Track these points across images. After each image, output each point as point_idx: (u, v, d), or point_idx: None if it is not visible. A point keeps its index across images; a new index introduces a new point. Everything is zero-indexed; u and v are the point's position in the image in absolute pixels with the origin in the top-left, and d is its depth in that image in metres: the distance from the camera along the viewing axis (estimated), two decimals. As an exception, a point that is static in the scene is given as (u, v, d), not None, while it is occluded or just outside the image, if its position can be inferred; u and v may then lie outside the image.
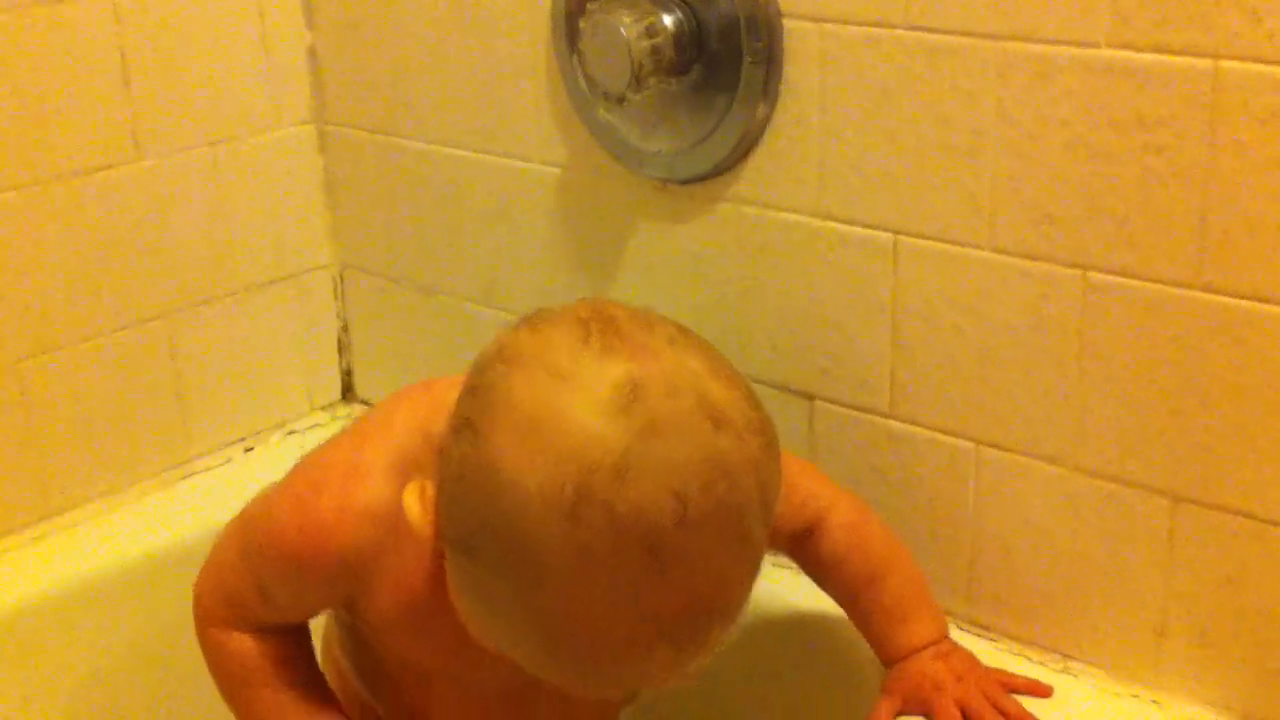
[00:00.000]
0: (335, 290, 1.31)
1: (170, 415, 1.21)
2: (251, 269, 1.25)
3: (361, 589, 0.81)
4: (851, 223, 0.95)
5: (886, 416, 0.98)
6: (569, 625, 0.67)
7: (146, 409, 1.20)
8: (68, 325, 1.13)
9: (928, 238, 0.92)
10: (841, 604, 0.92)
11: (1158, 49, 0.79)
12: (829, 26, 0.92)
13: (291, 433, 1.30)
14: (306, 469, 0.84)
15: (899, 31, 0.89)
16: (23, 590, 1.09)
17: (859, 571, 0.90)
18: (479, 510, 0.67)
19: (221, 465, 1.25)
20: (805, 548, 0.91)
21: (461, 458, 0.68)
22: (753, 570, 0.71)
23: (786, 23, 0.94)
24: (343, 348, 1.33)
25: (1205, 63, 0.78)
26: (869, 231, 0.94)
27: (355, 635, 0.88)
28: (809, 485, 0.91)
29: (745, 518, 0.68)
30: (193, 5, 1.15)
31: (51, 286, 1.11)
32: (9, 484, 1.12)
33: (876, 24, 0.90)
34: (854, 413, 0.99)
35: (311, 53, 1.24)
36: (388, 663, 0.88)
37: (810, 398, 1.01)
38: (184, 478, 1.23)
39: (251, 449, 1.28)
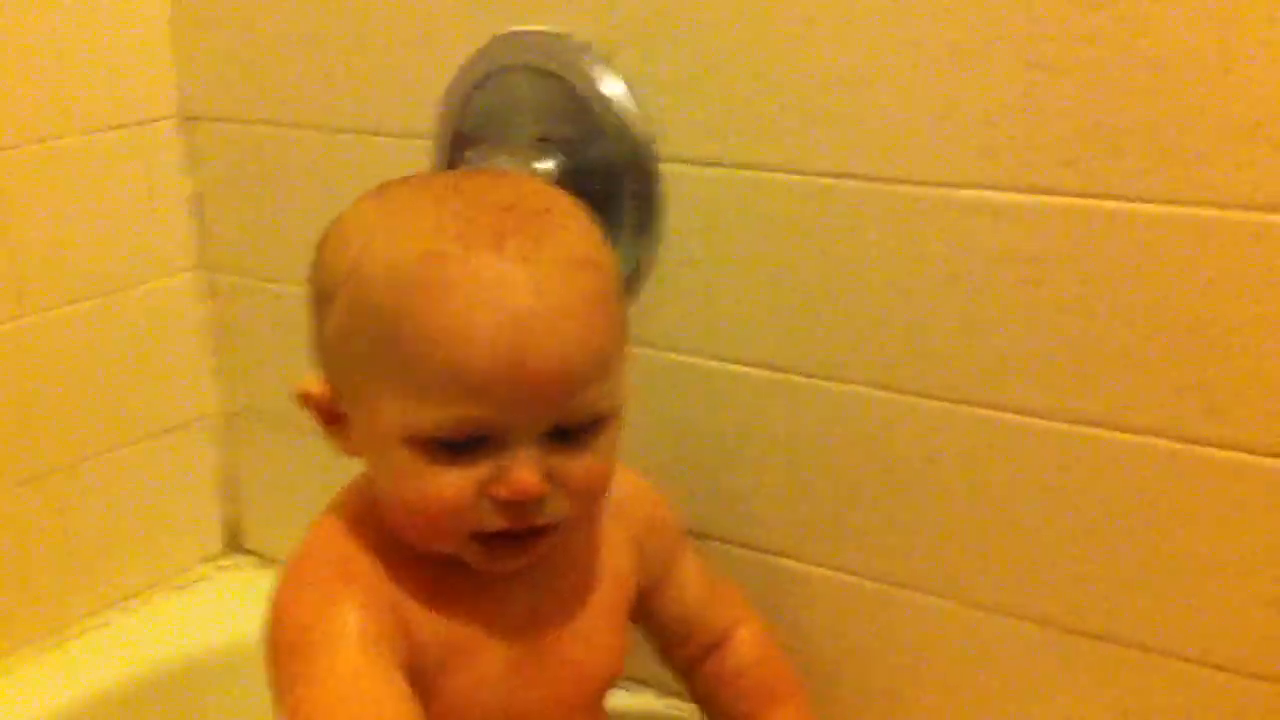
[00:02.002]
0: (221, 438, 1.28)
1: (54, 574, 1.17)
2: (138, 420, 1.22)
3: (403, 603, 0.77)
4: (739, 362, 0.95)
5: (785, 556, 0.97)
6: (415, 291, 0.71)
7: (30, 568, 1.16)
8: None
9: (813, 375, 0.92)
10: None
11: (1027, 189, 0.81)
12: (707, 170, 0.93)
13: (179, 588, 1.26)
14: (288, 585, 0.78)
15: (778, 175, 0.90)
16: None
17: (764, 685, 0.90)
18: (329, 255, 0.77)
19: (106, 625, 1.21)
20: (712, 657, 0.91)
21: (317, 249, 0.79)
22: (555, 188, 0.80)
23: (664, 167, 0.95)
24: (229, 497, 1.30)
25: (1074, 201, 0.79)
26: (758, 371, 0.94)
27: None
28: (728, 594, 0.92)
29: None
30: (74, 156, 1.14)
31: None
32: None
33: (756, 167, 0.91)
34: (754, 554, 0.98)
35: (196, 199, 1.23)
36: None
37: (711, 539, 0.99)
38: (70, 638, 1.18)
39: (138, 606, 1.23)
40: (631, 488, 0.86)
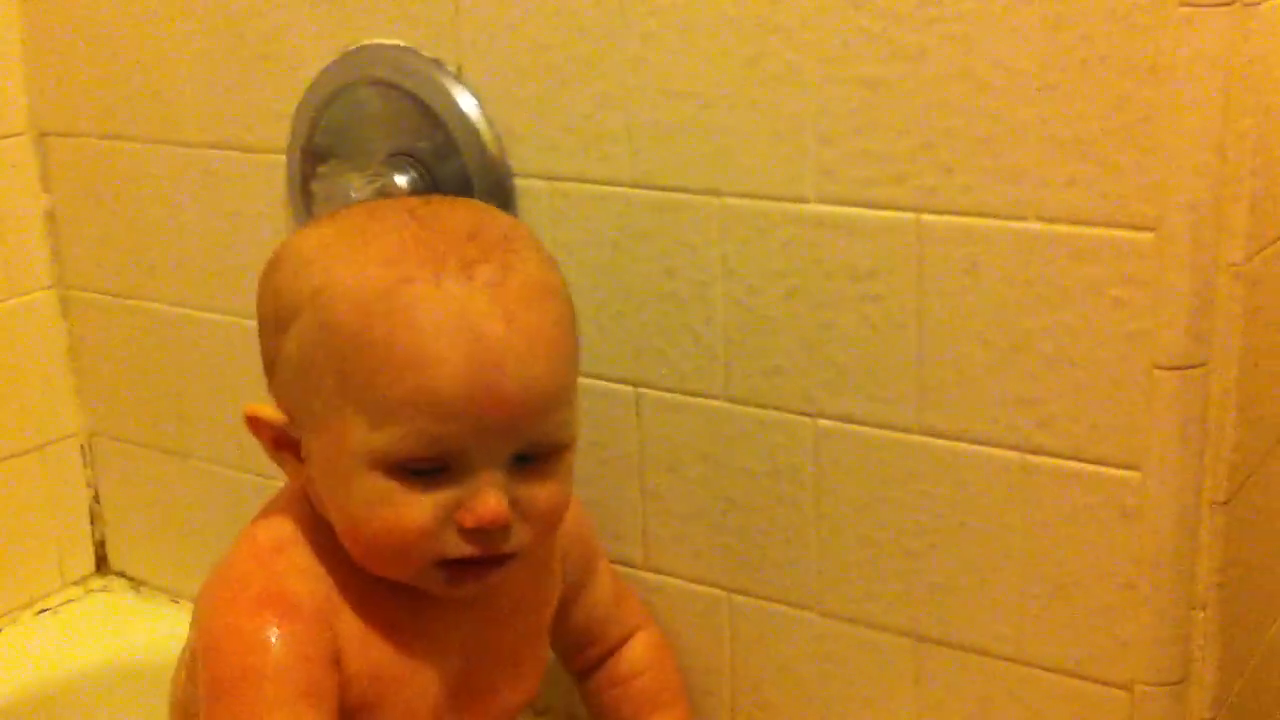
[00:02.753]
0: (84, 458, 1.26)
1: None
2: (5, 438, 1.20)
3: (335, 637, 0.76)
4: (593, 376, 0.95)
5: (640, 569, 0.97)
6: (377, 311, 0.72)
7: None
8: None
9: (667, 389, 0.92)
10: None
11: (863, 204, 0.82)
12: (558, 184, 0.93)
13: (43, 610, 1.24)
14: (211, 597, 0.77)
15: (624, 189, 0.90)
16: None
17: (653, 691, 0.91)
18: (286, 281, 0.76)
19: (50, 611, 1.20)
20: (605, 663, 0.92)
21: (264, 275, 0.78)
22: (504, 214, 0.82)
23: (518, 181, 0.95)
24: (94, 517, 1.28)
25: (908, 216, 0.80)
26: (610, 385, 0.95)
27: None
28: (632, 601, 0.93)
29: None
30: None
31: None
32: None
33: (603, 182, 0.91)
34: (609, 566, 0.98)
35: (50, 217, 1.20)
36: None
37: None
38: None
39: (2, 630, 1.21)
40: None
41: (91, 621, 1.22)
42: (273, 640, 0.73)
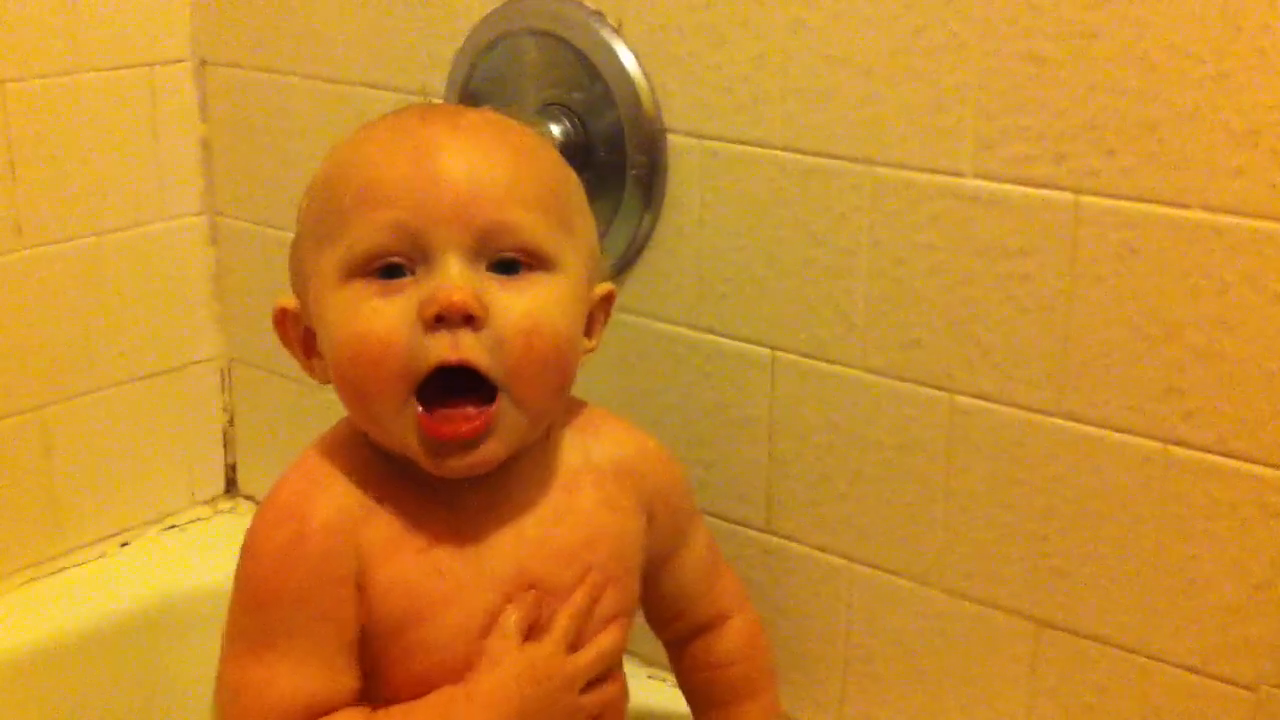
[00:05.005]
0: (222, 384, 1.30)
1: (42, 509, 1.19)
2: (135, 361, 1.23)
3: (360, 557, 0.75)
4: (729, 336, 0.96)
5: (762, 531, 0.98)
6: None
7: (17, 502, 1.17)
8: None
9: (803, 354, 0.93)
10: (705, 709, 0.91)
11: (1020, 181, 0.81)
12: (710, 144, 0.93)
13: (171, 527, 1.28)
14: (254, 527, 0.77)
15: (776, 152, 0.90)
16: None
17: (744, 679, 0.90)
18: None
19: (96, 559, 1.22)
20: (701, 639, 0.90)
21: None
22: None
23: (670, 138, 0.95)
24: (228, 441, 1.32)
25: (1066, 196, 0.80)
26: (747, 346, 0.95)
27: None
28: (728, 581, 0.90)
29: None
30: (84, 94, 1.15)
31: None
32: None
33: (755, 143, 0.91)
34: (731, 526, 0.99)
35: (204, 144, 1.24)
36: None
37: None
38: (55, 572, 1.20)
39: (128, 544, 1.25)
40: (643, 449, 0.84)
41: (217, 540, 1.25)
42: (291, 571, 0.73)
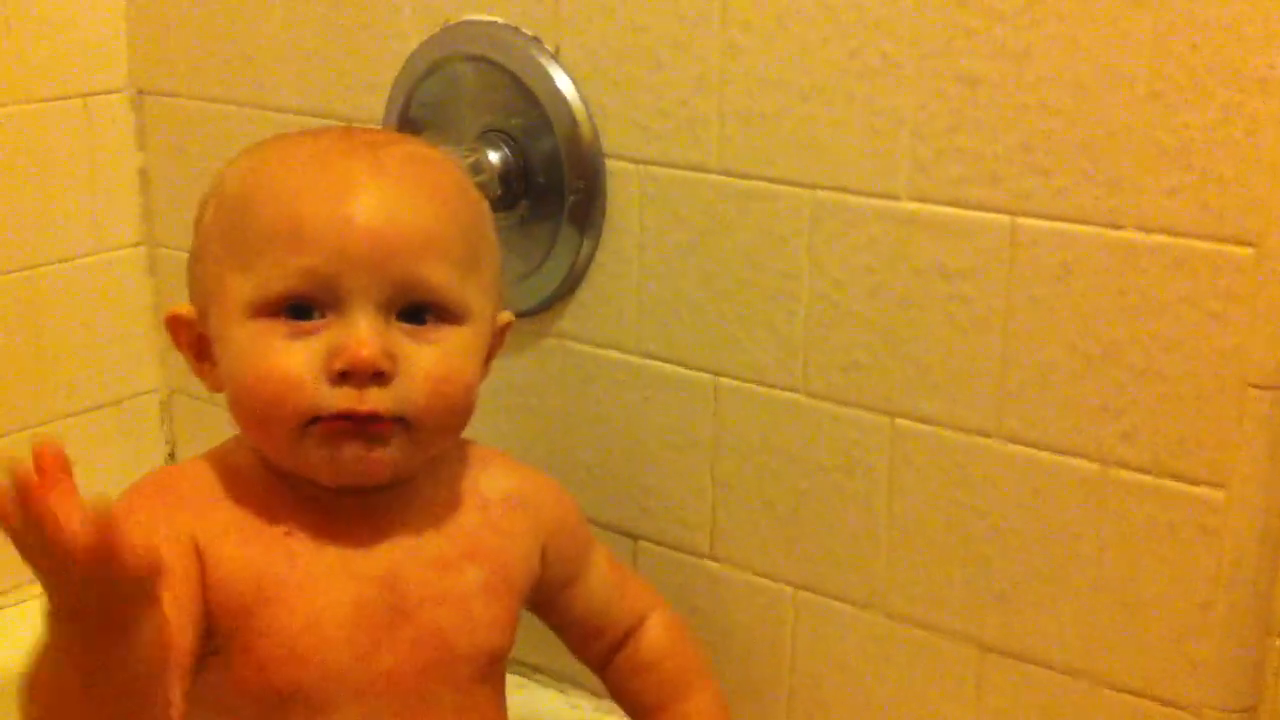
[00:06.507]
0: (162, 415, 1.28)
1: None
2: (75, 395, 1.22)
3: (203, 527, 0.73)
4: (671, 361, 0.95)
5: (705, 558, 0.97)
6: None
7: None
8: None
9: (745, 379, 0.92)
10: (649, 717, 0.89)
11: (956, 203, 0.81)
12: (648, 168, 0.93)
13: (112, 562, 1.25)
14: None
15: (714, 176, 0.90)
16: None
17: (678, 673, 0.89)
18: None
19: (27, 601, 1.20)
20: (624, 648, 0.89)
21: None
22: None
23: (609, 163, 0.95)
24: (169, 475, 1.30)
25: (1003, 218, 0.80)
26: (688, 371, 0.94)
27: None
28: (636, 586, 0.90)
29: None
30: (19, 124, 1.13)
31: None
32: None
33: (694, 168, 0.91)
34: (674, 553, 0.98)
35: (142, 174, 1.22)
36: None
37: (634, 537, 1.00)
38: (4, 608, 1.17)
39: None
40: (540, 485, 0.85)
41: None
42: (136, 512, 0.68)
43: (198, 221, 0.78)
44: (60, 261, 1.18)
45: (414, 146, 0.79)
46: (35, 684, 0.63)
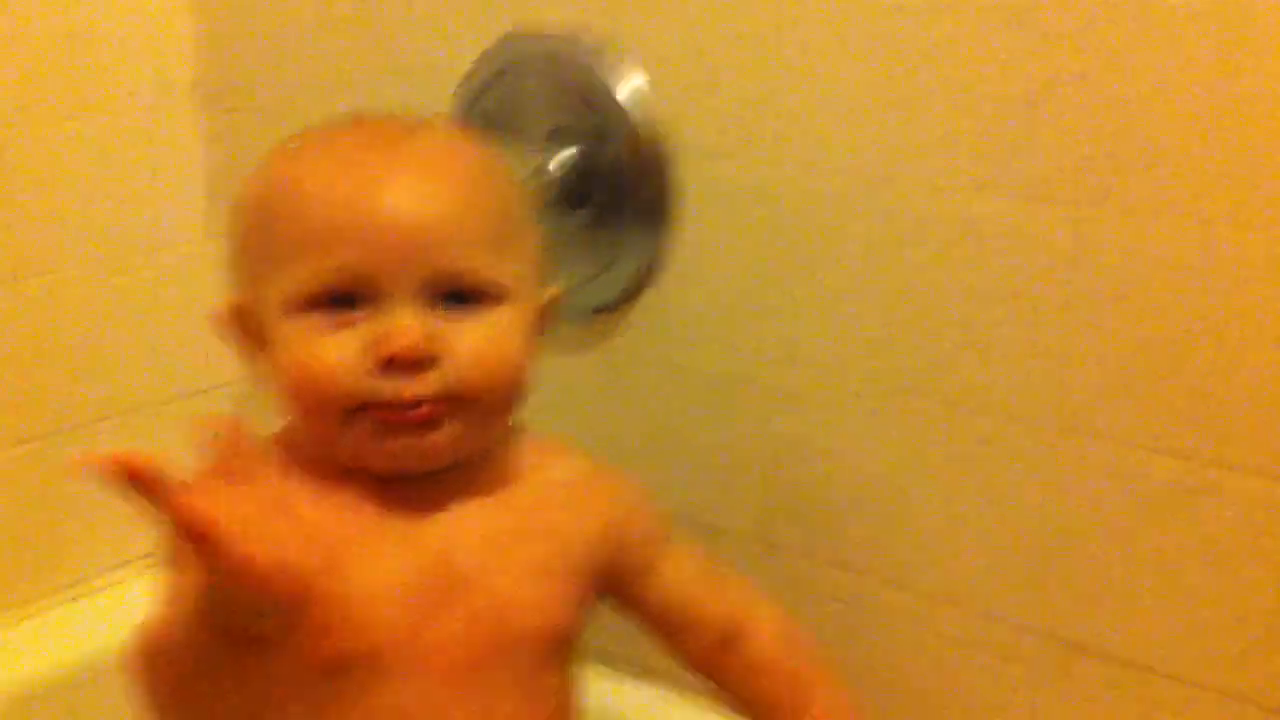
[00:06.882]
0: (241, 407, 1.30)
1: (72, 531, 1.20)
2: (156, 385, 1.24)
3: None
4: (737, 365, 0.96)
5: (777, 552, 0.98)
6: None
7: (45, 525, 1.18)
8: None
9: (810, 386, 0.93)
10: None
11: (1019, 214, 0.82)
12: (715, 170, 0.94)
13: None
14: None
15: (780, 182, 0.91)
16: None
17: (794, 678, 0.86)
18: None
19: (116, 586, 1.23)
20: (730, 650, 0.86)
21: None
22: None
23: (676, 165, 0.96)
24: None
25: (1065, 230, 0.80)
26: (755, 375, 0.95)
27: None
28: (734, 583, 0.88)
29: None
30: (93, 126, 1.16)
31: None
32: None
33: (755, 175, 0.92)
34: (744, 546, 0.99)
35: (209, 180, 1.24)
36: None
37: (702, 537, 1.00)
38: (86, 595, 1.21)
39: (156, 564, 1.25)
40: (607, 472, 0.84)
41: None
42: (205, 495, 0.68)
43: (234, 221, 0.79)
44: (131, 258, 1.20)
45: (433, 135, 0.79)
46: (160, 654, 0.69)
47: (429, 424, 0.74)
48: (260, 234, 0.76)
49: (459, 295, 0.74)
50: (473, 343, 0.74)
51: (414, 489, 0.77)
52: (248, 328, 0.78)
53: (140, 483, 0.59)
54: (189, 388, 1.27)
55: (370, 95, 1.10)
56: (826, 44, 0.86)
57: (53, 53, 1.13)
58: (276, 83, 1.17)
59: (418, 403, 0.73)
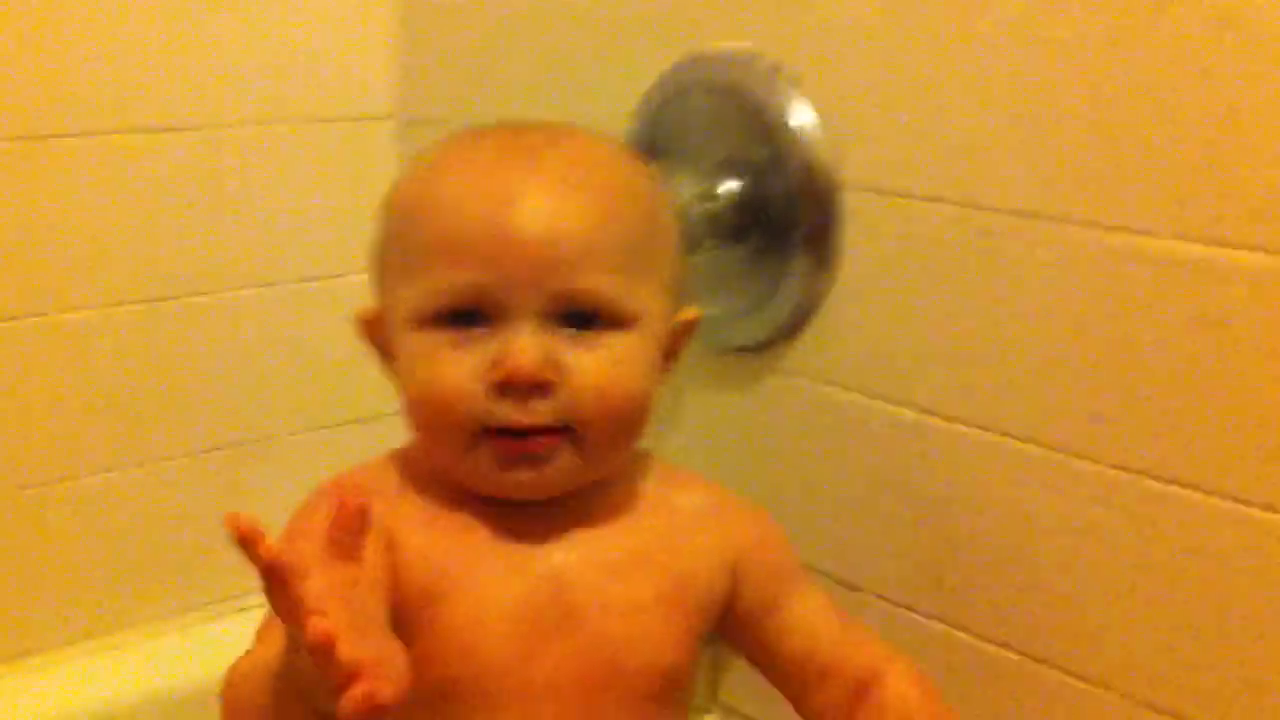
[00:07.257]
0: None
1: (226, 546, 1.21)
2: (335, 408, 1.25)
3: (394, 515, 0.74)
4: (901, 405, 0.90)
5: (929, 617, 0.91)
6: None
7: (203, 539, 1.19)
8: (127, 448, 1.14)
9: (980, 426, 0.86)
10: None
11: (1217, 243, 0.73)
12: (888, 201, 0.88)
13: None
14: None
15: (957, 209, 0.85)
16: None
17: None
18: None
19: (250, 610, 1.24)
20: (864, 705, 0.79)
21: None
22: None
23: (847, 195, 0.91)
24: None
25: (1265, 258, 0.72)
26: (921, 415, 0.89)
27: None
28: (866, 634, 0.82)
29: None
30: (290, 141, 1.18)
31: (138, 405, 1.14)
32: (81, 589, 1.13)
33: (935, 199, 0.86)
34: (894, 608, 0.93)
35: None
36: None
37: (852, 588, 0.94)
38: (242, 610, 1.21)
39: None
40: (737, 504, 0.81)
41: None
42: (321, 509, 0.68)
43: (376, 231, 0.79)
44: (325, 278, 1.22)
45: (576, 146, 0.77)
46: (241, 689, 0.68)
47: (544, 457, 0.73)
48: (394, 243, 0.76)
49: (584, 317, 0.72)
50: (593, 371, 0.72)
51: (531, 514, 0.76)
52: (380, 337, 0.78)
53: (243, 545, 0.58)
54: (373, 411, 1.28)
55: (552, 108, 1.09)
56: (997, 78, 0.81)
57: (259, 80, 1.16)
58: (468, 109, 1.18)
59: (533, 430, 0.71)
